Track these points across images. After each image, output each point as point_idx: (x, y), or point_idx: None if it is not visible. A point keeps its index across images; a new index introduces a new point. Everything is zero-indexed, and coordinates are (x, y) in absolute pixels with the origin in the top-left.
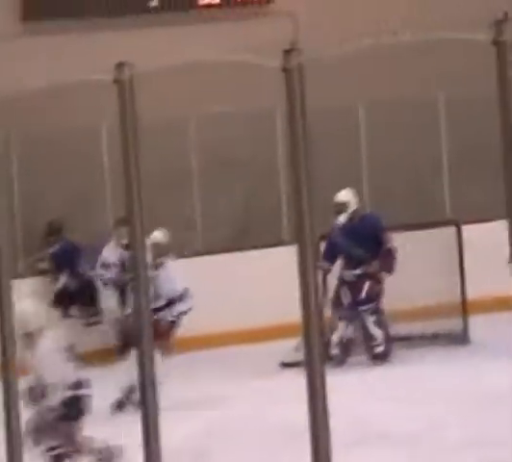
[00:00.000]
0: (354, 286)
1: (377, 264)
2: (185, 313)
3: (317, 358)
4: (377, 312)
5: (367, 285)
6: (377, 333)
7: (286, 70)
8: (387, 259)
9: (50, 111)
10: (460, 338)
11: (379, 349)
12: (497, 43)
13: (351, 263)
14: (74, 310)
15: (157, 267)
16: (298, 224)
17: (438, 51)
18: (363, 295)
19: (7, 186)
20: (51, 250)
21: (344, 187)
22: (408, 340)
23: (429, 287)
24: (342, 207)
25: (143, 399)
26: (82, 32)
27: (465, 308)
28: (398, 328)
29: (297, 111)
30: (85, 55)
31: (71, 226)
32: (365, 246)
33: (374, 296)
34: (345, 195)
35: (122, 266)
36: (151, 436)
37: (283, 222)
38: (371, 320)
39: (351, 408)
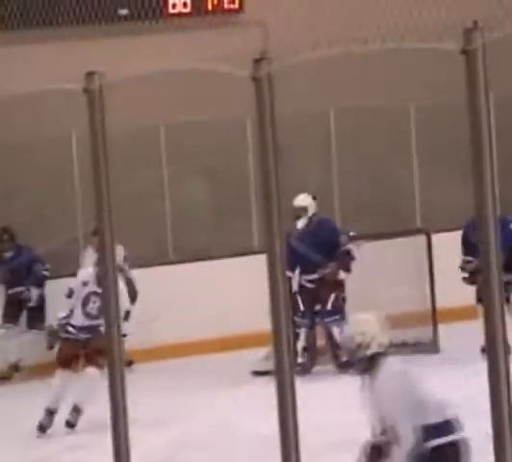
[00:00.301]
0: (314, 293)
1: (334, 265)
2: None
3: (287, 367)
4: (343, 320)
5: (332, 296)
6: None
7: (256, 79)
8: (344, 259)
9: (20, 119)
10: (430, 347)
11: (345, 358)
12: (465, 52)
13: (310, 268)
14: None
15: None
16: (268, 232)
17: (408, 59)
18: (329, 306)
19: None
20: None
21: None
22: None
23: (399, 295)
24: (300, 211)
25: (114, 416)
26: (52, 40)
27: (434, 317)
28: None
29: (267, 119)
30: (55, 64)
31: (33, 234)
32: (323, 251)
33: (340, 308)
34: (303, 200)
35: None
36: (122, 448)
37: (253, 231)
38: (336, 330)
39: (320, 416)
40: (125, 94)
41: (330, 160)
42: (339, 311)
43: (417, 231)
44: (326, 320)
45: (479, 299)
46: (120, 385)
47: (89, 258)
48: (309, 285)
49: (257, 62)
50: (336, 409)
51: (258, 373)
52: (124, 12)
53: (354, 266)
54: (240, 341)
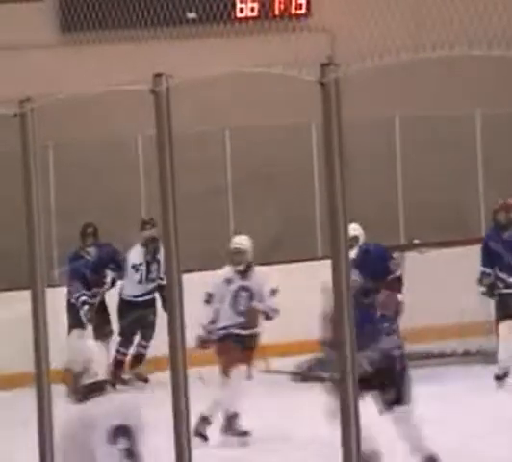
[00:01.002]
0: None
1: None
2: None
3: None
4: None
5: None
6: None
7: (322, 84)
8: (394, 285)
9: (92, 119)
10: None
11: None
12: None
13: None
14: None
15: None
16: (334, 238)
17: (471, 67)
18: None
19: (45, 192)
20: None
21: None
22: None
23: (462, 305)
24: (352, 241)
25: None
26: (120, 43)
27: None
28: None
29: (334, 124)
30: (123, 65)
31: (105, 232)
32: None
33: None
34: (355, 229)
35: (147, 266)
36: None
37: (317, 236)
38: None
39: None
40: (192, 97)
41: (395, 168)
42: None
43: (481, 239)
44: None
45: (497, 319)
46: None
47: (135, 253)
48: None
49: (324, 66)
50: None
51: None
52: (192, 15)
53: (418, 273)
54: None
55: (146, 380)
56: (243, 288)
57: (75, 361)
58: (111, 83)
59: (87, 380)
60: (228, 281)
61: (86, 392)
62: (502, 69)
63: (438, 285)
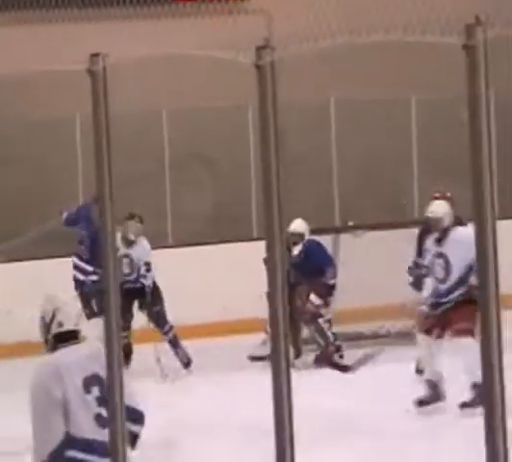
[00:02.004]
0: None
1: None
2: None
3: (282, 353)
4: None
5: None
6: (320, 340)
7: (258, 67)
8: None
9: (24, 100)
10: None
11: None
12: (467, 47)
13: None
14: None
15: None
16: (268, 219)
17: (409, 52)
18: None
19: None
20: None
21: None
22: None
23: (396, 286)
24: (297, 238)
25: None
26: (59, 22)
27: None
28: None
29: (269, 107)
30: (60, 46)
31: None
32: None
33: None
34: (300, 226)
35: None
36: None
37: (253, 218)
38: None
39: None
40: (129, 78)
41: (330, 149)
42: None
43: (415, 222)
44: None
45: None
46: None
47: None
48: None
49: (260, 49)
50: (329, 395)
51: (255, 359)
52: None
53: (354, 253)
54: (238, 326)
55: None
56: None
57: (45, 311)
58: (48, 63)
59: (56, 330)
60: None
61: (55, 342)
62: (437, 55)
63: (372, 266)
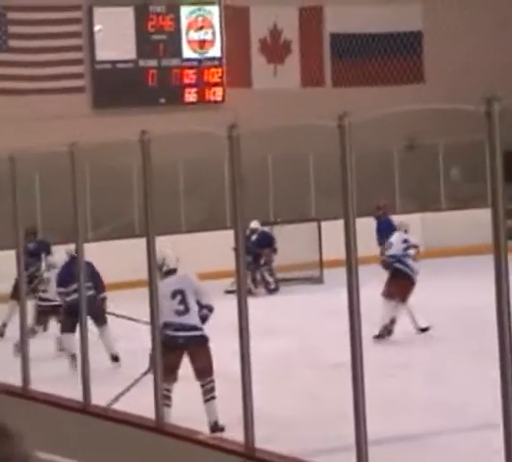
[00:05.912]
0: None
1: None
2: None
3: (243, 288)
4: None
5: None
6: (271, 279)
7: (230, 138)
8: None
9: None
10: (317, 280)
11: (272, 286)
12: (488, 114)
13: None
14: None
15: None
16: (235, 222)
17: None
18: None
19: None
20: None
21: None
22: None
23: (301, 257)
24: (253, 231)
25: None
26: (124, 115)
27: (321, 263)
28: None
29: (237, 163)
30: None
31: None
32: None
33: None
34: (255, 224)
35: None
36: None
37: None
38: (267, 273)
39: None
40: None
41: (266, 160)
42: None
43: (312, 219)
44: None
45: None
46: None
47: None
48: None
49: (231, 128)
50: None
51: (229, 292)
52: (163, 100)
53: (280, 239)
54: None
55: None
56: None
57: (159, 258)
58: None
59: (165, 269)
60: None
61: (164, 274)
62: None
63: (290, 244)
